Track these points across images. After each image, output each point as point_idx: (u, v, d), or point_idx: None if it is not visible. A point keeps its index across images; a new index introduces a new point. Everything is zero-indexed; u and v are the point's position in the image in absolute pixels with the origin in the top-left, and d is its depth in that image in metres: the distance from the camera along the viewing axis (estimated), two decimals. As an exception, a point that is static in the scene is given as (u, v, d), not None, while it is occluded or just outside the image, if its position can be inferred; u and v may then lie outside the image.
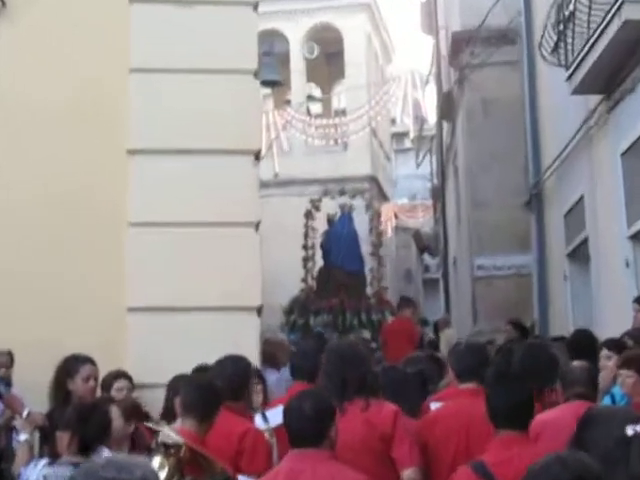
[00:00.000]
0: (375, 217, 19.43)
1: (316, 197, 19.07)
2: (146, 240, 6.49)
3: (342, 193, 19.21)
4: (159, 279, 6.47)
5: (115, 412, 4.78)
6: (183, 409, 4.25)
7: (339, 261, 18.30)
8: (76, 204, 6.48)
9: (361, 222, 19.33)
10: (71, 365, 5.60)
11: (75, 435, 4.21)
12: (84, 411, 4.37)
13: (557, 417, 4.51)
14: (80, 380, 5.58)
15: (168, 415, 5.37)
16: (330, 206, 19.06)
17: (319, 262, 18.78)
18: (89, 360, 5.67)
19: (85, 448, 4.19)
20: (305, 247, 18.57)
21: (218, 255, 6.53)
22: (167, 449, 2.43)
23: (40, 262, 6.38)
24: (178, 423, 4.27)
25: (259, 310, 6.63)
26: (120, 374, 5.91)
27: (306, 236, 18.62)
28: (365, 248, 18.89)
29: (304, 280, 18.45)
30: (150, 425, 2.42)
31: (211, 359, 5.92)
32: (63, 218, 6.46)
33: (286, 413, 3.81)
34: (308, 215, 18.79)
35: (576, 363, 5.01)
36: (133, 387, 5.93)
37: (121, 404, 5.20)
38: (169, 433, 2.36)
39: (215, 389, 4.34)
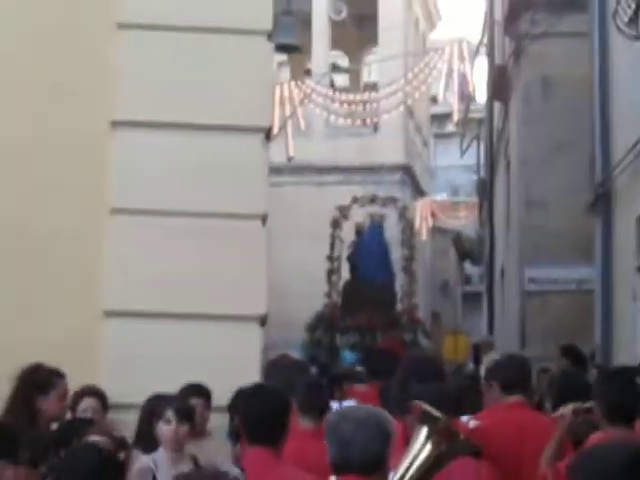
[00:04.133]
0: (408, 228, 19.99)
1: (345, 204, 19.89)
2: (129, 230, 6.49)
3: (372, 201, 19.83)
4: (143, 278, 6.46)
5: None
6: (301, 410, 5.51)
7: (368, 275, 19.00)
8: (47, 185, 6.49)
9: (392, 229, 19.89)
10: (46, 378, 5.56)
11: None
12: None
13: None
14: (56, 398, 5.55)
15: (143, 441, 5.37)
16: (358, 213, 19.69)
17: (344, 275, 19.39)
18: (62, 374, 5.65)
19: None
20: (331, 258, 19.38)
21: (215, 252, 6.52)
22: (431, 420, 3.42)
23: (2, 254, 6.39)
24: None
25: (263, 320, 6.62)
26: (90, 391, 5.89)
27: (332, 247, 19.25)
28: (395, 259, 19.51)
29: (328, 295, 19.20)
30: (420, 404, 3.68)
31: (202, 375, 5.94)
32: (30, 203, 6.48)
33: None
34: (336, 224, 19.39)
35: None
36: (106, 407, 5.93)
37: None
38: (428, 407, 3.50)
39: (322, 386, 5.96)
